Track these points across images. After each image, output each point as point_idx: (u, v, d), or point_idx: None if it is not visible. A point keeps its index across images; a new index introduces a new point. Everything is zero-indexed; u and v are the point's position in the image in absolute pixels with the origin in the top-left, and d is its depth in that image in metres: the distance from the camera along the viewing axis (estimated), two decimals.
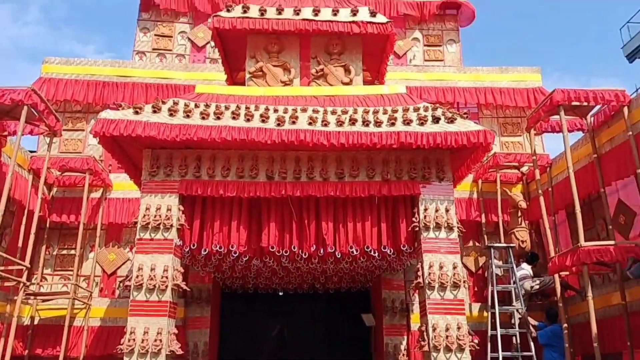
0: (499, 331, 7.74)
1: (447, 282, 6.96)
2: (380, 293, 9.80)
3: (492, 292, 8.09)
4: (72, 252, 9.44)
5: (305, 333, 16.54)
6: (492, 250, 8.30)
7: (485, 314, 9.09)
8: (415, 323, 9.40)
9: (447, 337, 6.73)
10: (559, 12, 45.39)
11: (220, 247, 7.41)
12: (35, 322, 9.10)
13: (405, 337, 9.41)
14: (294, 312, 16.31)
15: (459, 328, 6.80)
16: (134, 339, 6.73)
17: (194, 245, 7.43)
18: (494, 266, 8.20)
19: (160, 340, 6.71)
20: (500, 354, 7.60)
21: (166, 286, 6.95)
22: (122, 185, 9.85)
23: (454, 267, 7.06)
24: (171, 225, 7.16)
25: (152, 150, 7.28)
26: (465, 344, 6.70)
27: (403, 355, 9.25)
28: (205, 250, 7.46)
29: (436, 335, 6.73)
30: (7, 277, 7.56)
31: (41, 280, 9.46)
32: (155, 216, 7.17)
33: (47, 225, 9.68)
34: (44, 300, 9.08)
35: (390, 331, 9.50)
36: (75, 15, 47.55)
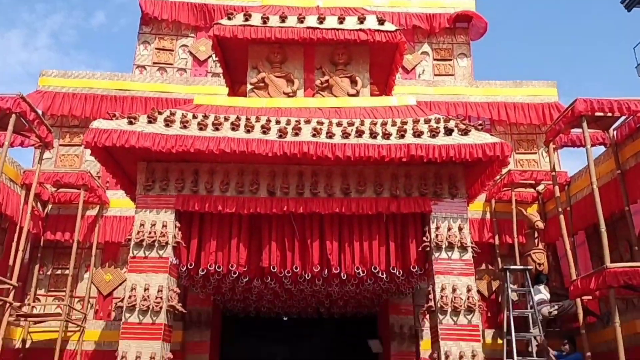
0: None
1: (460, 306, 6.47)
2: (387, 318, 9.28)
3: (508, 317, 7.55)
4: (67, 272, 9.00)
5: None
6: (508, 273, 7.79)
7: (499, 341, 8.56)
8: (425, 350, 8.86)
9: None
10: (570, 30, 45.15)
11: (218, 267, 6.99)
12: (27, 345, 8.65)
13: None
14: (298, 338, 15.74)
15: (473, 356, 6.29)
16: None
17: (191, 265, 7.01)
18: (509, 290, 7.68)
19: None
20: None
21: (160, 307, 6.51)
22: (119, 202, 9.47)
23: (468, 290, 6.58)
24: (167, 243, 6.76)
25: (148, 163, 6.92)
26: None
27: None
28: (203, 271, 7.04)
29: None
30: None
31: (34, 301, 9.03)
32: (150, 233, 6.78)
33: (41, 243, 9.30)
34: (35, 322, 8.65)
35: (398, 358, 8.95)
36: (83, 41, 47.92)
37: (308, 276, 7.08)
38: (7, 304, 7.21)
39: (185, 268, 7.05)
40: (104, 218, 9.56)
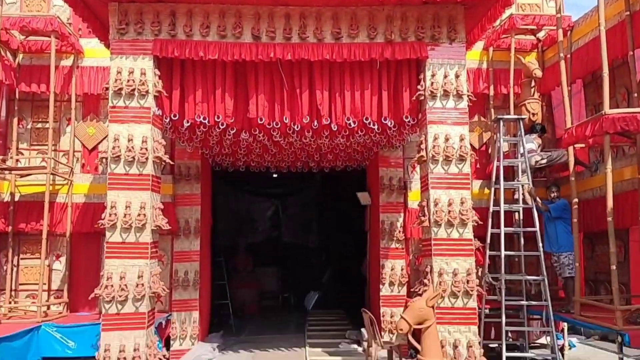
0: (503, 207, 7.31)
1: (452, 155, 6.40)
2: (377, 171, 9.30)
3: (498, 167, 7.55)
4: (48, 125, 8.71)
5: (300, 213, 16.54)
6: (501, 123, 7.63)
7: (486, 191, 8.68)
8: (412, 200, 9.06)
9: (449, 212, 6.31)
10: None
11: (204, 118, 6.73)
12: (17, 199, 8.64)
13: (402, 214, 9.08)
14: (288, 193, 16.16)
15: (462, 203, 6.35)
16: (115, 214, 6.27)
17: (174, 116, 6.74)
18: (501, 140, 7.57)
19: (144, 215, 6.26)
20: (503, 229, 7.24)
21: (146, 158, 6.36)
22: (94, 52, 8.89)
23: (461, 140, 6.46)
24: (147, 92, 6.41)
25: (119, 4, 6.31)
26: (468, 219, 6.29)
27: (399, 231, 8.97)
28: (187, 122, 6.79)
29: (437, 210, 6.30)
30: None
31: (17, 155, 8.85)
32: (128, 81, 6.40)
33: (17, 96, 8.86)
34: (22, 176, 8.55)
35: (386, 209, 9.14)
36: None
37: (297, 127, 6.88)
38: None
39: (168, 119, 6.79)
40: (80, 68, 9.02)
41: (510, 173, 8.17)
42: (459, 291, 6.13)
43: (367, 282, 10.42)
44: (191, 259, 8.97)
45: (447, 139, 6.44)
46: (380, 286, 8.91)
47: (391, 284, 8.87)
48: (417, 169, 9.28)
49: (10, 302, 8.27)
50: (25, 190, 8.72)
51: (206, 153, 9.16)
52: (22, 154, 9.05)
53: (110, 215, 6.27)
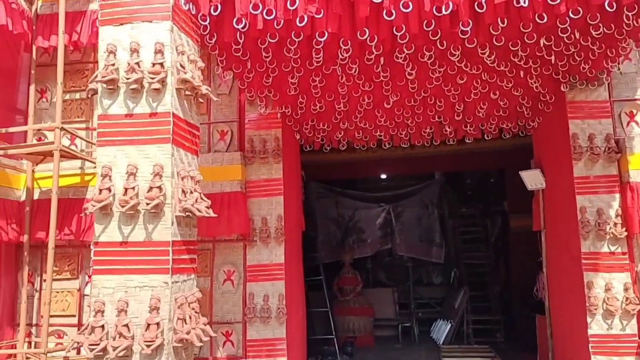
0: None
1: None
2: (564, 127, 5.65)
3: None
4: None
5: (418, 220, 12.87)
6: None
7: None
8: (635, 170, 5.29)
9: None
10: None
11: (267, 13, 3.62)
12: (36, 196, 6.18)
13: (618, 193, 5.33)
14: (402, 195, 12.68)
15: None
16: (109, 188, 3.30)
17: (215, 10, 3.67)
18: None
19: (160, 188, 3.30)
20: None
21: (163, 82, 3.35)
22: None
23: None
24: None
25: None
26: None
27: (615, 224, 5.22)
28: (244, 25, 3.70)
29: None
30: None
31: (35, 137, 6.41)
32: None
33: (34, 56, 6.46)
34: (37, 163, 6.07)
35: (587, 187, 5.45)
36: None
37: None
38: None
39: (208, 19, 3.75)
40: None
41: None
42: None
43: (547, 311, 6.61)
44: (273, 275, 5.88)
45: None
46: (588, 319, 5.18)
47: (608, 314, 5.13)
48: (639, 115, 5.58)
49: None
50: (45, 185, 6.19)
51: (288, 113, 6.04)
52: (46, 136, 6.55)
53: (101, 191, 3.28)
